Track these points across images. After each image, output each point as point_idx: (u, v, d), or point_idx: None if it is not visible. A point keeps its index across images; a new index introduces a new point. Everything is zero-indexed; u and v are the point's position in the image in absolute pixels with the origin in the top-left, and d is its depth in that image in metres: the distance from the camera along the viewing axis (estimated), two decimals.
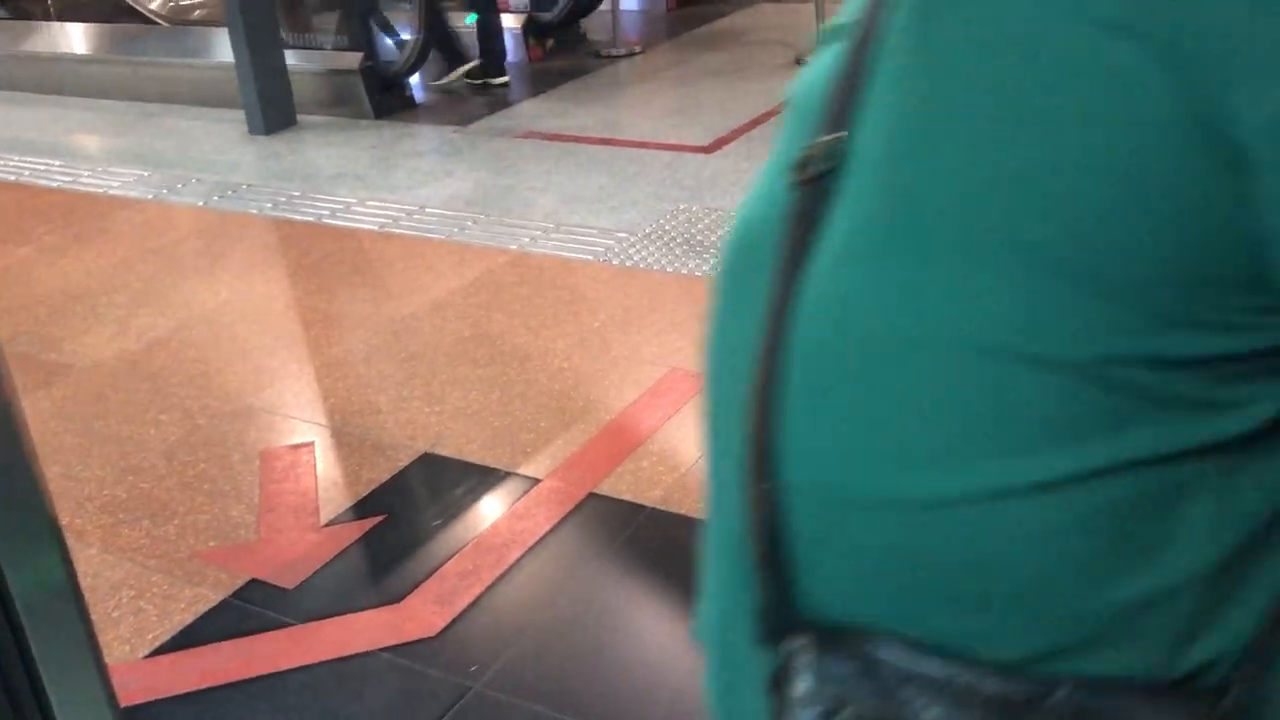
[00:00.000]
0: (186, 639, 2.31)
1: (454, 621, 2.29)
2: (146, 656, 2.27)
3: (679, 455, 2.79)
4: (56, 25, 7.28)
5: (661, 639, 2.25)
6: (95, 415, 3.20)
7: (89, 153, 5.87)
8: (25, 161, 5.65)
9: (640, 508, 2.61)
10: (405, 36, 6.05)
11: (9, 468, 1.39)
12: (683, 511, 2.58)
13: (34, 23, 7.39)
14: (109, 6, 7.22)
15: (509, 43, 6.97)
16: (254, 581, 2.46)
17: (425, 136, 5.63)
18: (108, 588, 2.47)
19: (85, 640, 1.53)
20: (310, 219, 4.60)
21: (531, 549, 2.50)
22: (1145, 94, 0.52)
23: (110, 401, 3.27)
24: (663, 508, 2.60)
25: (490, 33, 6.32)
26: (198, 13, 7.20)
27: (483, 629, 2.28)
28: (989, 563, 0.56)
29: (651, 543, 2.50)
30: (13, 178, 5.42)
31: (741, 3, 8.07)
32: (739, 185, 4.58)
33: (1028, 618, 0.57)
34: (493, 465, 2.82)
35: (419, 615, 2.32)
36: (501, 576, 2.42)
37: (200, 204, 4.90)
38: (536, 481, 2.74)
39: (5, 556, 1.41)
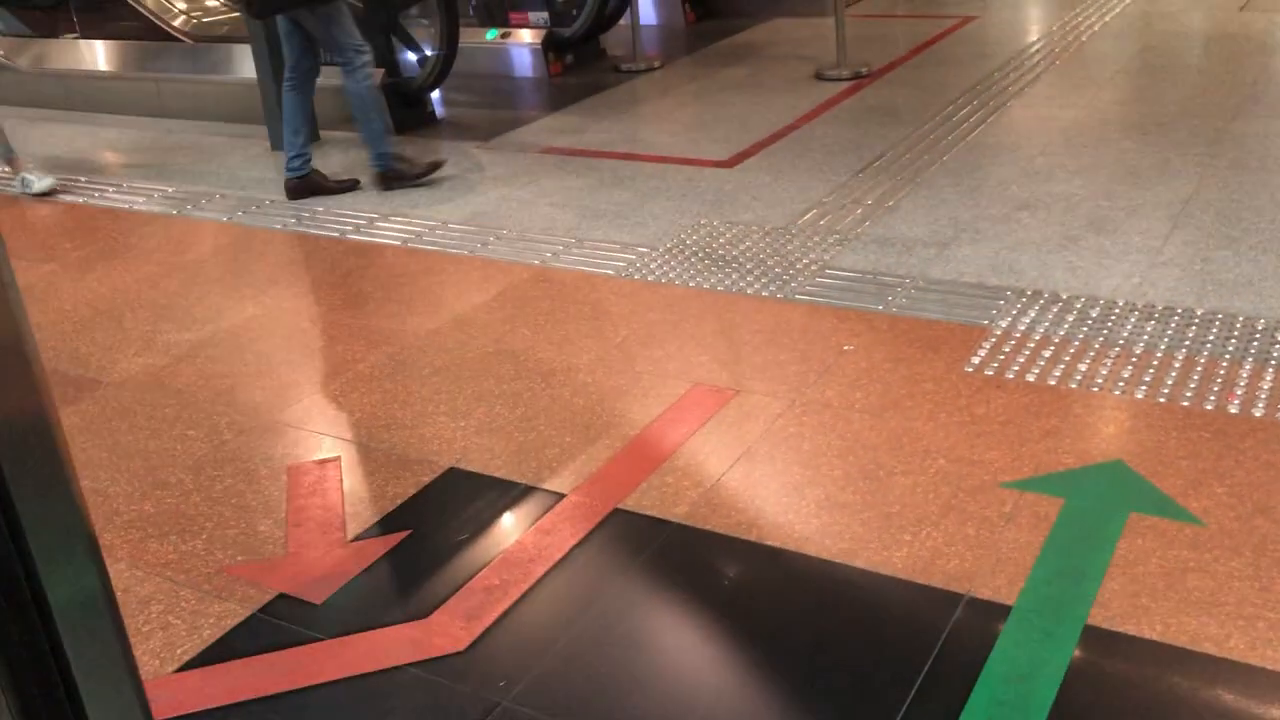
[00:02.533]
0: (215, 654, 2.32)
1: (481, 637, 2.30)
2: (176, 671, 2.28)
3: (704, 471, 2.79)
4: (82, 43, 7.35)
5: (688, 655, 2.25)
6: (123, 430, 3.22)
7: (114, 169, 5.92)
8: (44, 173, 5.70)
9: (665, 523, 2.61)
10: (427, 52, 6.08)
11: (48, 483, 1.41)
12: (708, 527, 2.58)
13: (60, 41, 7.46)
14: (133, 24, 7.28)
15: (528, 58, 7.01)
16: (282, 596, 2.47)
17: (446, 152, 5.65)
18: (136, 603, 2.48)
19: (121, 654, 1.54)
20: (333, 234, 4.63)
21: (557, 564, 2.50)
22: None
23: (137, 417, 3.29)
24: (688, 523, 2.60)
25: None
26: (222, 30, 7.26)
27: (510, 644, 2.28)
28: None
29: (677, 558, 2.51)
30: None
31: (760, 17, 8.09)
32: (759, 199, 4.59)
33: None
34: (517, 480, 2.83)
35: (446, 630, 2.32)
36: (528, 592, 2.42)
37: (224, 219, 4.94)
38: (561, 497, 2.74)
39: (44, 570, 1.42)
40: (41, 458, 1.43)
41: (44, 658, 1.47)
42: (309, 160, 5.04)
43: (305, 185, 5.04)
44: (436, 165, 5.18)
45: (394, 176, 5.09)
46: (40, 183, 5.42)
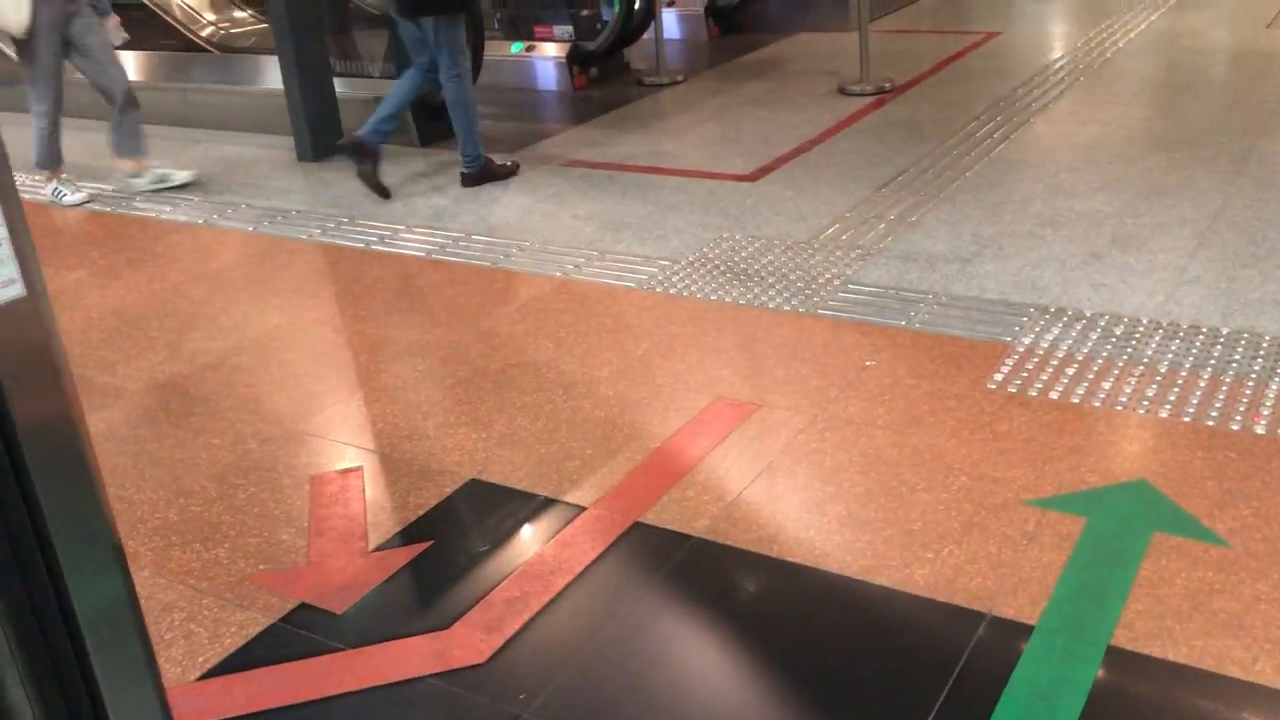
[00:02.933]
0: (237, 662, 2.33)
1: (501, 649, 2.30)
2: (197, 679, 2.29)
3: (724, 485, 2.79)
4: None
5: (707, 671, 2.25)
6: (148, 438, 3.25)
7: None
8: (80, 186, 5.76)
9: (685, 537, 2.61)
10: None
11: (76, 491, 1.42)
12: (728, 542, 2.58)
13: None
14: (160, 33, 7.36)
15: (553, 71, 7.04)
16: (303, 606, 2.48)
17: None
18: (159, 610, 2.50)
19: (145, 661, 1.55)
20: (358, 245, 4.65)
21: (578, 577, 2.50)
22: None
23: (162, 425, 3.32)
24: (708, 538, 2.60)
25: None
26: (248, 41, 7.33)
27: (530, 657, 2.28)
28: None
29: (697, 572, 2.50)
30: None
31: (783, 32, 8.10)
32: (781, 213, 4.59)
33: None
34: (538, 492, 2.83)
35: (467, 642, 2.33)
36: (548, 604, 2.42)
37: (250, 229, 4.97)
38: (582, 509, 2.75)
39: (70, 577, 1.44)
40: (69, 465, 1.44)
41: (69, 663, 1.48)
42: (388, 137, 5.23)
43: (361, 149, 5.16)
44: (517, 166, 5.44)
45: (486, 175, 5.29)
46: (72, 196, 5.47)
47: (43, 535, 1.38)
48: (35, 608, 1.41)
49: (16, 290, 1.34)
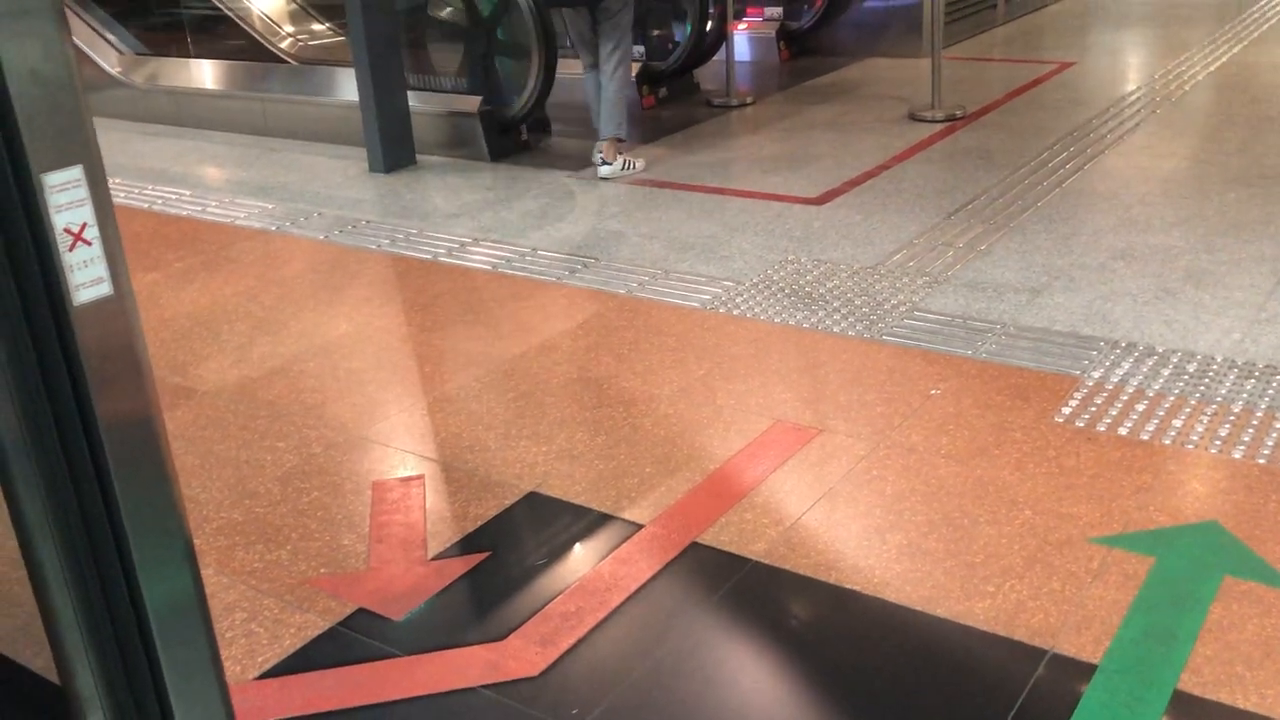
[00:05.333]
0: (295, 664, 2.36)
1: (555, 663, 2.30)
2: (256, 679, 2.32)
3: (784, 509, 2.77)
4: (193, 61, 7.61)
5: (761, 695, 2.23)
6: (215, 439, 3.30)
7: (217, 184, 6.10)
8: (158, 191, 5.90)
9: (743, 560, 2.59)
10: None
11: (152, 488, 1.46)
12: (786, 566, 2.56)
13: (171, 59, 7.73)
14: (242, 44, 7.53)
15: None
16: (361, 611, 2.51)
17: (539, 180, 5.73)
18: (221, 609, 2.54)
19: (210, 656, 1.58)
20: (426, 257, 4.71)
21: (634, 594, 2.50)
22: None
23: (230, 426, 3.38)
24: (766, 561, 2.58)
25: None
26: (324, 53, 7.47)
27: (584, 673, 2.28)
28: None
29: (754, 597, 2.49)
30: (145, 205, 5.67)
31: (855, 56, 8.08)
32: (848, 238, 4.56)
33: None
34: (596, 508, 2.84)
35: (521, 654, 2.33)
36: (603, 620, 2.42)
37: (321, 237, 5.05)
38: (639, 527, 2.74)
39: (142, 570, 1.46)
40: (147, 460, 1.48)
41: (137, 654, 1.51)
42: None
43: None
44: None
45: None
46: (639, 162, 5.67)
47: (118, 528, 1.42)
48: (108, 598, 1.44)
49: (105, 289, 1.37)
